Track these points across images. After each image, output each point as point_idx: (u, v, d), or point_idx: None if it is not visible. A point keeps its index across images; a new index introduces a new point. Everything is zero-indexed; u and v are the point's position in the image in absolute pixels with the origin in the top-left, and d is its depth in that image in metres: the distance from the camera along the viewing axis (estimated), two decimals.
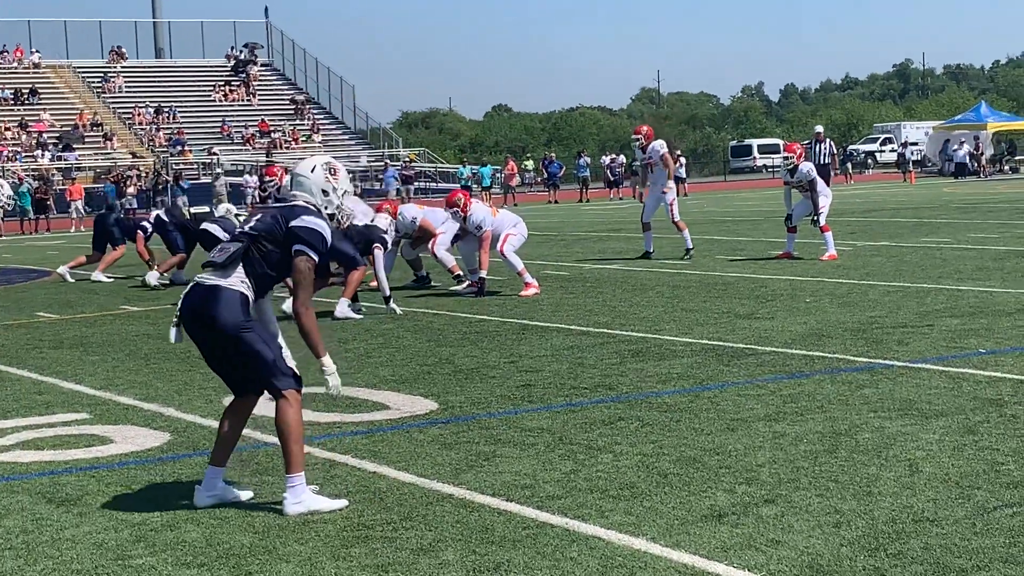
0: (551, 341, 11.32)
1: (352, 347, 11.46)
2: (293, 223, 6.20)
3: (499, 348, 11.05)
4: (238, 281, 6.18)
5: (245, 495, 6.37)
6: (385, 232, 14.52)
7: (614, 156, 58.24)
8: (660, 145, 19.48)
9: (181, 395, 9.34)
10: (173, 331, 6.25)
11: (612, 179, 54.79)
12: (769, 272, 16.65)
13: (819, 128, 32.67)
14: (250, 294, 6.21)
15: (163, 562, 5.45)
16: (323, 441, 7.62)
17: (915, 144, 67.30)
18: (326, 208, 6.39)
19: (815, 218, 18.11)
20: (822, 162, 30.43)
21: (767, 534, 5.49)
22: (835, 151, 30.99)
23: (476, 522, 5.85)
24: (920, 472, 6.39)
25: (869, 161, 75.58)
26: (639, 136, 19.66)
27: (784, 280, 15.53)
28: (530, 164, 69.20)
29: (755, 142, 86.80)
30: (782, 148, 19.28)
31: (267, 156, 56.86)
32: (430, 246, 16.11)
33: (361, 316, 13.52)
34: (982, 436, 7.08)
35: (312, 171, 6.40)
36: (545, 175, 55.66)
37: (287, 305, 15.71)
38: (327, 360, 6.27)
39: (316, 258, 6.22)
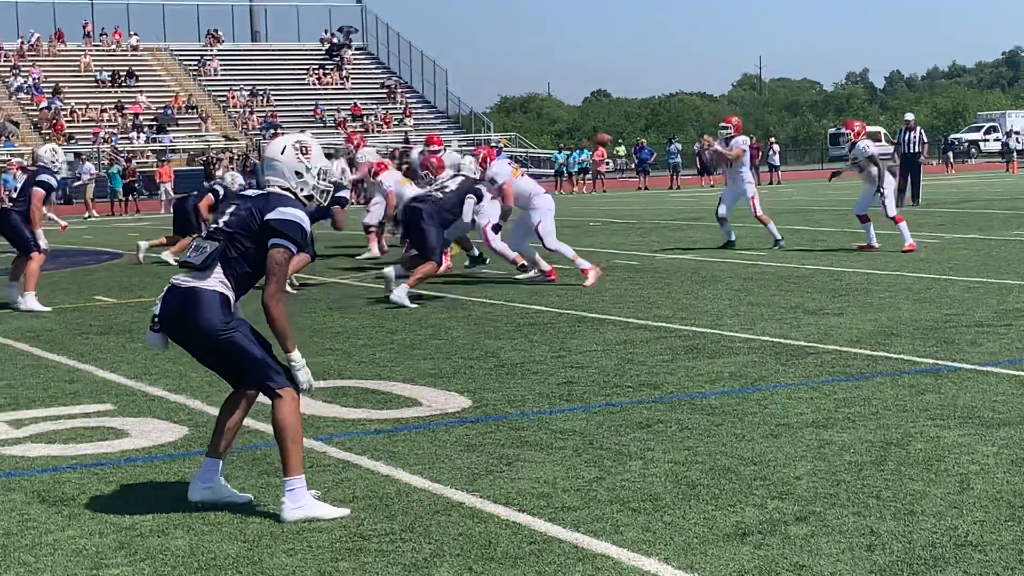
0: (605, 335, 10.90)
1: (398, 338, 11.13)
2: (269, 216, 5.82)
3: (549, 341, 10.65)
4: (217, 282, 5.84)
5: (242, 499, 6.03)
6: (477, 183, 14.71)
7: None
8: (744, 141, 19.09)
9: (212, 386, 9.03)
10: (151, 335, 5.92)
11: (704, 166, 53.99)
12: (847, 264, 16.06)
13: (909, 116, 31.81)
14: (230, 294, 5.87)
15: (139, 572, 5.13)
16: (342, 440, 7.28)
17: (1019, 133, 65.58)
18: (302, 190, 6.00)
19: (882, 203, 17.54)
20: (912, 151, 29.61)
21: (792, 557, 5.03)
22: (926, 139, 30.20)
23: (480, 535, 5.46)
24: (970, 489, 5.88)
25: (972, 150, 73.85)
26: (728, 126, 19.30)
27: (861, 274, 14.94)
28: (622, 150, 68.54)
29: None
30: (844, 130, 18.70)
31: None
32: (484, 238, 15.73)
33: (415, 307, 13.17)
34: None
35: (282, 152, 6.01)
36: (636, 161, 54.99)
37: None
38: (296, 355, 5.91)
39: (294, 250, 5.85)
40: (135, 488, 6.39)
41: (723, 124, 19.42)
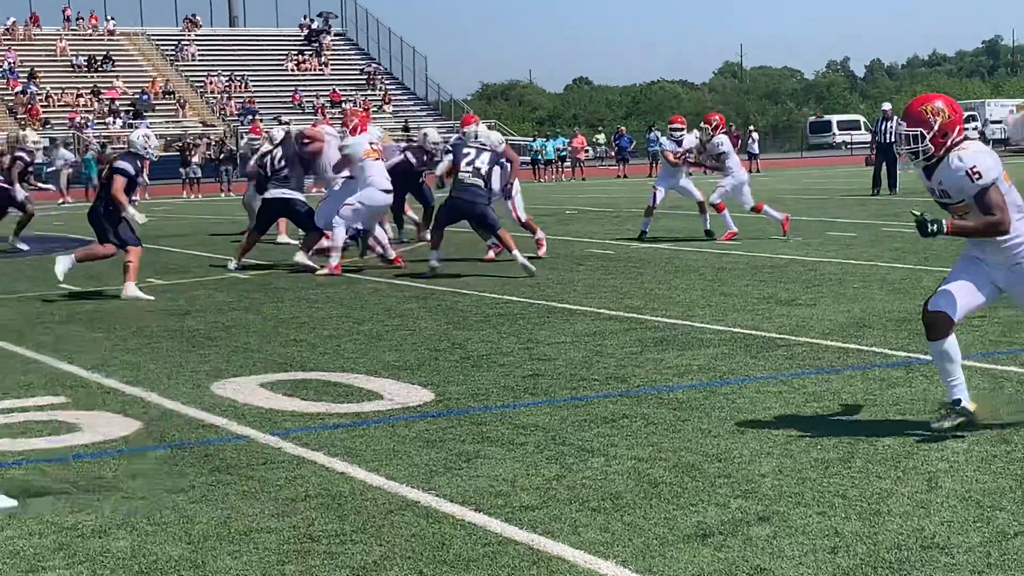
0: (575, 326, 10.74)
1: (365, 329, 10.96)
2: None
3: (518, 333, 10.49)
4: None
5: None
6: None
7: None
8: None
9: (171, 378, 8.87)
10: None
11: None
12: (822, 255, 15.93)
13: (886, 105, 31.69)
14: None
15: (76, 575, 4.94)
16: (299, 435, 7.10)
17: (998, 123, 65.57)
18: None
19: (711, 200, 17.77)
20: (888, 140, 29.47)
21: (753, 560, 4.87)
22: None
23: (434, 536, 5.29)
24: (939, 488, 5.72)
25: None
26: (681, 127, 19.30)
27: (836, 264, 14.80)
28: (601, 138, 68.34)
29: (834, 118, 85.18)
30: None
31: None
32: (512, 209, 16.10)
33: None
34: (1016, 447, 6.39)
35: None
36: (616, 149, 54.82)
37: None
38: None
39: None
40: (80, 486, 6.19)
41: (675, 125, 19.32)
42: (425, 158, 18.73)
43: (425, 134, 19.42)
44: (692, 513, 5.48)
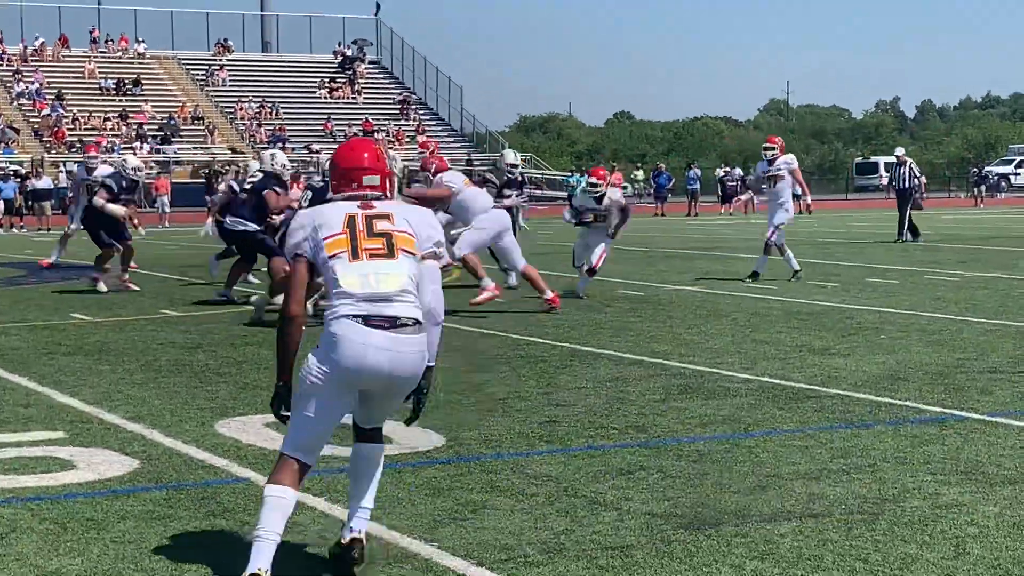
0: (598, 371, 10.65)
1: None
2: None
3: (538, 376, 10.41)
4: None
5: None
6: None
7: (728, 169, 57.13)
8: (791, 159, 18.95)
9: (174, 415, 8.81)
10: None
11: (725, 193, 53.75)
12: (861, 302, 15.77)
13: (900, 150, 31.60)
14: None
15: None
16: None
17: None
18: None
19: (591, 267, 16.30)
20: (902, 186, 29.32)
21: None
22: (917, 174, 29.88)
23: None
24: (966, 554, 5.59)
25: (1003, 184, 73.49)
26: (773, 146, 19.08)
27: (874, 312, 14.65)
28: (640, 175, 68.26)
29: (882, 159, 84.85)
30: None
31: None
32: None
33: None
34: None
35: None
36: (654, 186, 54.76)
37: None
38: None
39: None
40: (69, 527, 6.12)
41: (768, 144, 19.17)
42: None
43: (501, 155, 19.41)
44: (705, 575, 5.37)
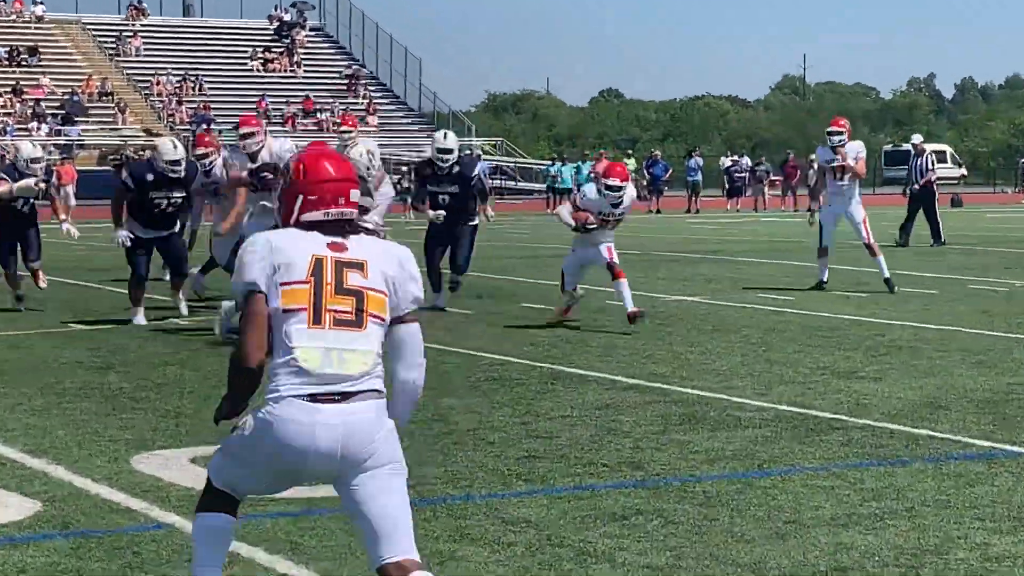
0: (584, 397, 10.70)
1: None
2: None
3: (514, 403, 10.45)
4: None
5: None
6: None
7: (736, 158, 57.36)
8: (861, 146, 18.96)
9: (83, 448, 8.82)
10: None
11: (733, 186, 53.99)
12: (893, 315, 15.88)
13: (917, 138, 31.62)
14: None
15: None
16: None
17: None
18: None
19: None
20: (916, 180, 29.40)
21: None
22: (932, 166, 29.91)
23: None
24: None
25: None
26: (841, 131, 18.92)
27: (909, 328, 14.75)
28: (631, 164, 68.43)
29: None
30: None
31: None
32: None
33: None
34: None
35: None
36: (648, 178, 54.95)
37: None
38: None
39: None
40: None
41: (834, 128, 19.03)
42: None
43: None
44: None
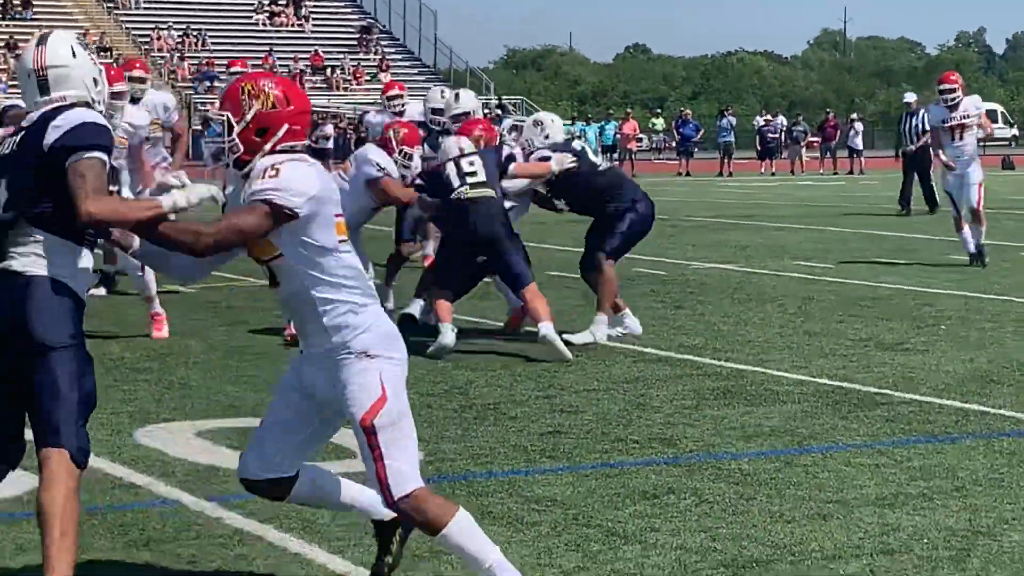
0: (612, 370, 10.72)
1: None
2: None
3: (537, 376, 10.47)
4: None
5: None
6: None
7: (769, 117, 57.25)
8: (978, 100, 18.57)
9: None
10: None
11: (766, 147, 53.84)
12: (940, 284, 15.87)
13: (910, 96, 30.48)
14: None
15: None
16: (244, 502, 7.01)
17: None
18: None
19: None
20: (913, 142, 28.52)
21: None
22: (926, 127, 28.74)
23: None
24: None
25: None
26: (955, 87, 18.24)
27: (958, 297, 14.77)
28: (660, 123, 68.44)
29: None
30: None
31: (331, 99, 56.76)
32: None
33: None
34: None
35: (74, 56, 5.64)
36: (678, 138, 54.90)
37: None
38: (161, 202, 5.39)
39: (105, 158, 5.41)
40: None
41: (946, 85, 18.28)
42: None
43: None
44: None
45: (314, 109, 16.98)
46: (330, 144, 44.09)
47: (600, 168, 12.73)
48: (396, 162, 12.31)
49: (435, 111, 15.47)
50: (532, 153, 12.44)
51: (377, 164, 12.24)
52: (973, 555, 6.23)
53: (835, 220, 25.19)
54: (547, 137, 12.58)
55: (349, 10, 70.73)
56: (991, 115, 79.07)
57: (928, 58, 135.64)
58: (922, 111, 29.12)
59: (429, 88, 60.85)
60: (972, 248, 17.92)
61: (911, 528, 6.62)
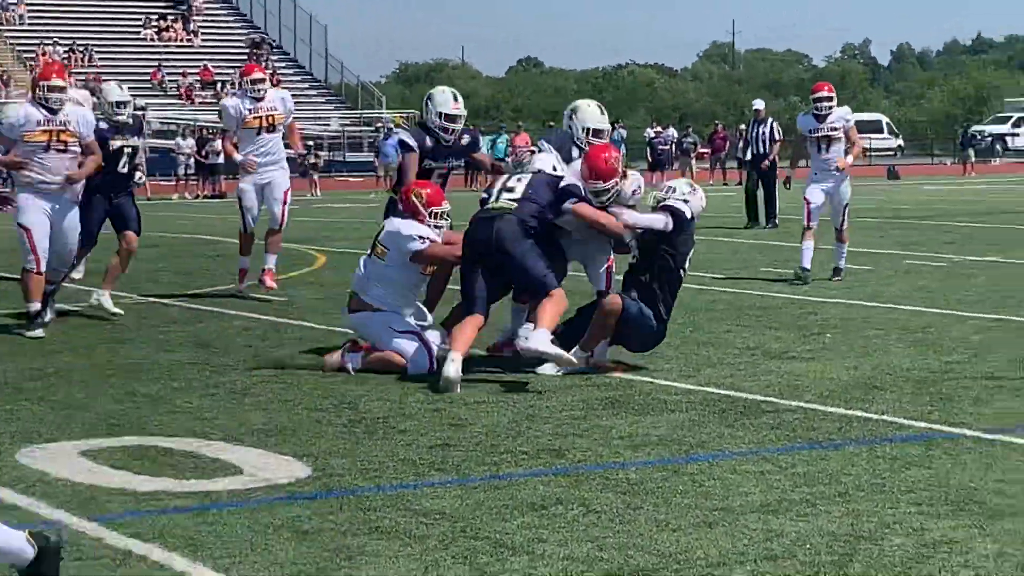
0: (501, 381, 10.72)
1: (226, 380, 10.85)
2: None
3: (426, 388, 10.45)
4: None
5: None
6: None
7: (660, 129, 57.58)
8: (847, 112, 18.35)
9: None
10: None
11: (657, 159, 54.14)
12: (827, 294, 16.03)
13: (759, 104, 30.48)
14: None
15: None
16: (127, 520, 6.99)
17: None
18: None
19: None
20: (760, 151, 28.22)
21: None
22: (778, 136, 28.55)
23: None
24: None
25: (997, 147, 74.94)
26: (831, 95, 17.98)
27: (843, 306, 14.91)
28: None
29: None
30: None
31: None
32: None
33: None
34: None
35: None
36: None
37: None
38: None
39: None
40: None
41: (820, 93, 18.01)
42: None
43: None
44: None
45: (205, 124, 16.93)
46: (220, 159, 43.67)
47: None
48: (430, 226, 11.55)
49: (116, 105, 14.95)
50: None
51: (418, 236, 11.40)
52: (855, 560, 6.29)
53: (727, 231, 25.33)
54: None
55: (238, 24, 70.52)
56: (876, 126, 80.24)
57: (815, 70, 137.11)
58: (771, 120, 29.02)
59: (320, 101, 59.90)
60: (806, 263, 17.33)
61: (795, 534, 6.67)
